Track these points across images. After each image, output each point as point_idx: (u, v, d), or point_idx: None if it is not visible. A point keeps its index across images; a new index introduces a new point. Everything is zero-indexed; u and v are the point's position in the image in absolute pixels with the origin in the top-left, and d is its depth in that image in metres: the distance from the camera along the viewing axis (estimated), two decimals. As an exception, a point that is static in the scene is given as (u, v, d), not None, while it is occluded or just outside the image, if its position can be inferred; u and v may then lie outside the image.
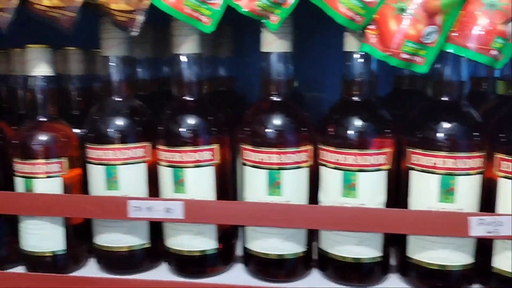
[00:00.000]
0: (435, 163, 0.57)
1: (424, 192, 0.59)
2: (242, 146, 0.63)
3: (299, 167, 0.61)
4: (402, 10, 0.52)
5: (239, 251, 0.70)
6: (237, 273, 0.68)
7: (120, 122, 0.64)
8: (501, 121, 0.60)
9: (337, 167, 0.60)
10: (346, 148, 0.59)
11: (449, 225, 0.56)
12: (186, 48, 0.62)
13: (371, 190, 0.60)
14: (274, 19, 0.57)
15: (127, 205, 0.61)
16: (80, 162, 0.68)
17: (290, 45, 0.61)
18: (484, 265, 0.61)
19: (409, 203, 0.61)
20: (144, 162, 0.66)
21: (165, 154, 0.63)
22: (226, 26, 0.77)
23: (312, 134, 0.62)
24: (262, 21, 0.58)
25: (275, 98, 0.63)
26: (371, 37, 0.54)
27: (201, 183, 0.63)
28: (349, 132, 0.59)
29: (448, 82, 0.59)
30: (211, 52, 0.77)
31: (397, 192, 0.62)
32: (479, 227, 0.56)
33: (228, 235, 0.68)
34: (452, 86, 0.59)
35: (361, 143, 0.59)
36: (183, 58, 0.63)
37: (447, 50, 0.54)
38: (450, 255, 0.59)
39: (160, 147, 0.64)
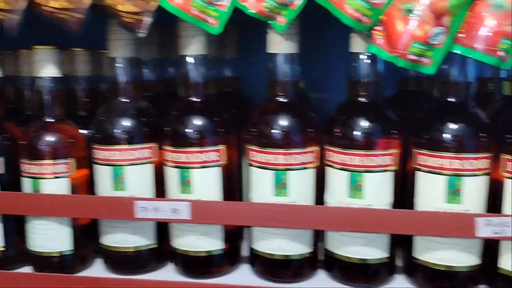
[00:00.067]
0: (441, 164, 0.57)
1: (430, 193, 0.59)
2: (248, 147, 0.63)
3: (305, 168, 0.61)
4: (409, 11, 0.52)
5: (245, 252, 0.70)
6: (243, 273, 0.68)
7: (127, 123, 0.65)
8: (507, 122, 0.60)
9: (344, 168, 0.60)
10: (352, 149, 0.59)
11: (456, 226, 0.56)
12: (193, 49, 0.63)
13: (378, 191, 0.60)
14: (281, 20, 0.57)
15: (134, 206, 0.61)
16: (87, 162, 0.68)
17: (297, 46, 0.61)
18: (490, 266, 0.61)
19: (415, 204, 0.61)
20: (150, 162, 0.66)
21: (172, 154, 0.64)
22: (230, 27, 0.77)
23: (319, 135, 0.63)
24: (269, 22, 0.58)
25: (281, 99, 0.63)
26: (378, 38, 0.54)
27: (207, 184, 0.64)
28: (355, 133, 0.59)
29: (454, 83, 0.59)
30: (216, 53, 0.78)
31: (404, 193, 0.62)
32: (486, 228, 0.56)
33: (234, 235, 0.69)
34: (458, 87, 0.59)
35: (367, 144, 0.59)
36: (190, 59, 0.63)
37: (454, 51, 0.54)
38: (456, 256, 0.59)
39: (167, 147, 0.64)
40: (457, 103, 0.59)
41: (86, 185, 0.69)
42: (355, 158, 0.59)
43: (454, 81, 0.59)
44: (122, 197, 0.63)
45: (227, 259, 0.68)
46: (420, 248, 0.61)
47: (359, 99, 0.61)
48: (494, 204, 0.59)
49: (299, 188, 0.62)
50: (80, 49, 0.74)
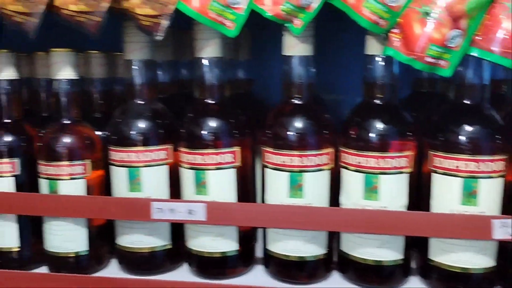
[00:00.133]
0: (457, 166, 0.57)
1: (446, 195, 0.59)
2: (264, 148, 0.63)
3: (320, 170, 0.62)
4: (427, 14, 0.53)
5: (258, 253, 0.71)
6: (257, 274, 0.68)
7: (143, 124, 0.65)
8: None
9: (359, 169, 0.60)
10: (368, 150, 0.59)
11: (472, 228, 0.56)
12: (208, 52, 0.63)
13: (393, 193, 0.60)
14: (298, 23, 0.58)
15: (150, 207, 0.62)
16: (102, 164, 0.68)
17: (312, 48, 0.62)
18: (504, 268, 0.61)
19: (431, 206, 0.61)
20: (166, 164, 0.66)
21: (187, 156, 0.64)
22: (244, 29, 0.77)
23: (334, 136, 0.63)
24: (285, 25, 0.59)
25: (296, 101, 0.63)
26: (394, 41, 0.55)
27: (222, 185, 0.64)
28: (371, 134, 0.60)
29: (470, 85, 0.59)
30: (230, 55, 0.78)
31: (419, 195, 0.62)
32: (502, 230, 0.56)
33: (249, 236, 0.69)
34: (474, 89, 0.59)
35: (383, 145, 0.59)
36: (205, 62, 0.64)
37: (471, 54, 0.54)
38: (472, 258, 0.59)
39: (182, 149, 0.65)
40: (473, 105, 0.59)
41: (102, 186, 0.69)
42: (371, 160, 0.59)
43: (469, 83, 0.59)
44: (139, 198, 0.64)
45: (241, 260, 0.68)
46: (435, 250, 0.61)
47: (374, 101, 0.61)
48: (509, 206, 0.59)
49: (314, 190, 0.62)
50: (95, 51, 0.75)
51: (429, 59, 0.53)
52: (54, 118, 0.68)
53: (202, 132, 0.63)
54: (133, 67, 0.65)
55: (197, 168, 0.63)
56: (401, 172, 0.60)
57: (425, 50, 0.53)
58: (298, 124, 0.62)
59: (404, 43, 0.54)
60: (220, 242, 0.66)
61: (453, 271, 0.60)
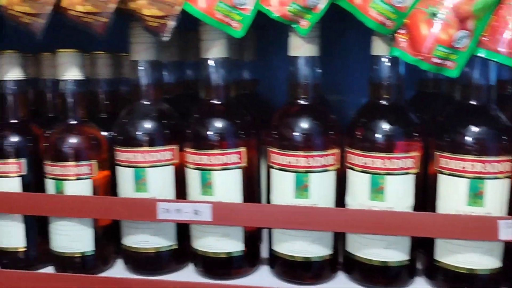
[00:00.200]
0: (464, 167, 0.57)
1: (452, 195, 0.59)
2: (269, 149, 0.64)
3: (326, 170, 0.62)
4: (434, 14, 0.53)
5: (264, 254, 0.71)
6: (262, 275, 0.68)
7: (149, 125, 0.65)
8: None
9: (365, 170, 0.60)
10: (374, 151, 0.59)
11: (479, 229, 0.56)
12: (214, 52, 0.63)
13: (399, 193, 0.60)
14: (304, 23, 0.58)
15: (156, 207, 0.62)
16: (108, 164, 0.69)
17: (318, 49, 0.62)
18: (511, 269, 0.61)
19: (437, 206, 0.61)
20: (172, 164, 0.66)
21: (193, 157, 0.64)
22: (249, 30, 0.77)
23: (339, 137, 0.63)
24: (292, 25, 0.59)
25: (302, 102, 0.63)
26: (401, 41, 0.55)
27: (228, 186, 0.64)
28: (377, 135, 0.60)
29: (476, 86, 0.59)
30: (235, 56, 0.78)
31: (425, 195, 0.62)
32: (508, 230, 0.56)
33: (254, 237, 0.69)
34: (480, 89, 0.59)
35: (389, 146, 0.59)
36: (211, 62, 0.64)
37: (478, 55, 0.54)
38: (478, 258, 0.59)
39: (188, 150, 0.65)
40: (479, 105, 0.59)
41: (107, 187, 0.69)
42: (377, 161, 0.59)
43: (476, 84, 0.59)
44: (145, 199, 0.64)
45: (247, 261, 0.68)
46: (441, 251, 0.61)
47: (380, 101, 0.61)
48: (515, 207, 0.59)
49: (320, 190, 0.62)
50: (101, 52, 0.75)
51: (436, 60, 0.53)
52: (60, 118, 0.68)
53: (208, 132, 0.63)
54: (139, 67, 0.66)
55: (203, 169, 0.64)
56: (407, 173, 0.60)
57: (432, 50, 0.53)
58: (304, 124, 0.62)
59: (410, 44, 0.54)
60: (225, 243, 0.66)
61: (459, 272, 0.60)
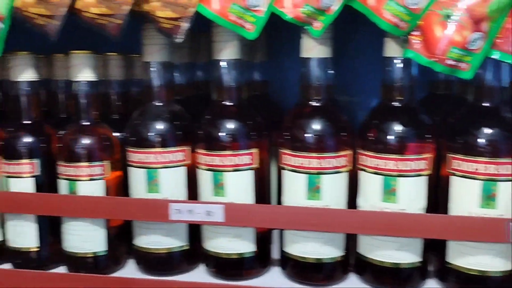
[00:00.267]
0: (476, 169, 0.57)
1: (465, 197, 0.59)
2: (281, 150, 0.64)
3: (338, 172, 0.62)
4: (448, 16, 0.53)
5: (275, 255, 0.71)
6: (273, 276, 0.68)
7: (161, 126, 0.66)
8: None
9: (377, 172, 0.60)
10: (386, 153, 0.59)
11: (491, 231, 0.56)
12: (227, 54, 0.63)
13: (411, 195, 0.60)
14: (317, 25, 0.58)
15: (168, 208, 0.62)
16: (120, 165, 0.69)
17: (330, 50, 0.62)
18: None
19: (449, 208, 0.61)
20: (183, 165, 0.67)
21: (205, 158, 0.64)
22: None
23: (352, 139, 0.63)
24: (305, 27, 0.59)
25: (314, 103, 0.63)
26: (415, 43, 0.55)
27: (240, 187, 0.64)
28: (389, 137, 0.60)
29: (489, 88, 0.59)
30: (246, 57, 0.78)
31: (437, 197, 0.62)
32: (521, 233, 0.56)
33: (265, 238, 0.69)
34: (493, 91, 0.59)
35: (401, 148, 0.59)
36: (224, 64, 0.64)
37: (492, 57, 0.54)
38: (490, 261, 0.59)
39: (200, 151, 0.65)
40: (492, 107, 0.59)
41: (120, 187, 0.70)
42: (389, 163, 0.59)
43: (488, 85, 0.59)
44: (157, 199, 0.64)
45: (258, 262, 0.68)
46: (453, 253, 0.61)
47: (392, 103, 0.61)
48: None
49: (332, 192, 0.62)
50: (113, 53, 0.75)
51: (450, 62, 0.53)
52: (72, 119, 0.68)
53: (220, 134, 0.64)
54: (151, 69, 0.66)
55: (215, 170, 0.64)
56: (420, 175, 0.60)
57: (446, 52, 0.53)
58: (317, 126, 0.62)
59: (424, 46, 0.54)
60: (237, 243, 0.66)
61: (471, 274, 0.60)
